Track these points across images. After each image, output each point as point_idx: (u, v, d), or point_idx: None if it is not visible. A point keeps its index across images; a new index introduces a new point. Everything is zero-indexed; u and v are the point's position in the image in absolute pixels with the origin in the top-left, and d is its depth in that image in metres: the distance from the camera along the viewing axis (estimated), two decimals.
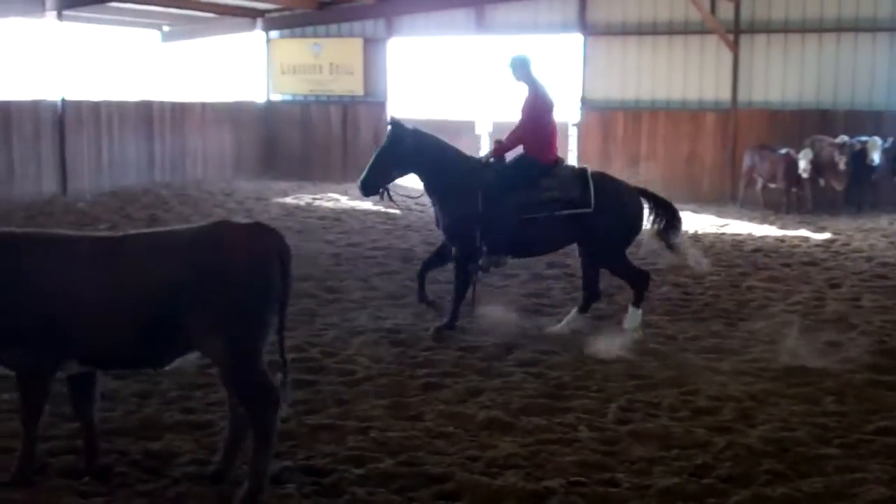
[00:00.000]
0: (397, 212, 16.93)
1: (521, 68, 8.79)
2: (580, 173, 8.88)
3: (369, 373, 7.27)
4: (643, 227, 9.08)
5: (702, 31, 19.65)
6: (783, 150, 17.75)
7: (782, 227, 15.81)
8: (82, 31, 22.12)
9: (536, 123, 8.79)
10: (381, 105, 22.92)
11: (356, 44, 22.88)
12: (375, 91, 22.95)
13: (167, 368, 5.30)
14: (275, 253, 4.97)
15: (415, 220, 16.09)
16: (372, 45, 22.80)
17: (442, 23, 22.07)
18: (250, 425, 4.97)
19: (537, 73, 8.84)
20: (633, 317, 8.60)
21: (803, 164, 16.98)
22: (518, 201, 8.53)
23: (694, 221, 16.29)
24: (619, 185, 9.05)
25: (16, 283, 4.86)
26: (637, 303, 8.67)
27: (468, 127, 22.16)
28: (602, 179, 8.90)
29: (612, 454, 5.69)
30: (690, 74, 20.17)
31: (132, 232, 5.39)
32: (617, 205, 8.75)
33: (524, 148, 8.89)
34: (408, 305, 9.57)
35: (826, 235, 14.85)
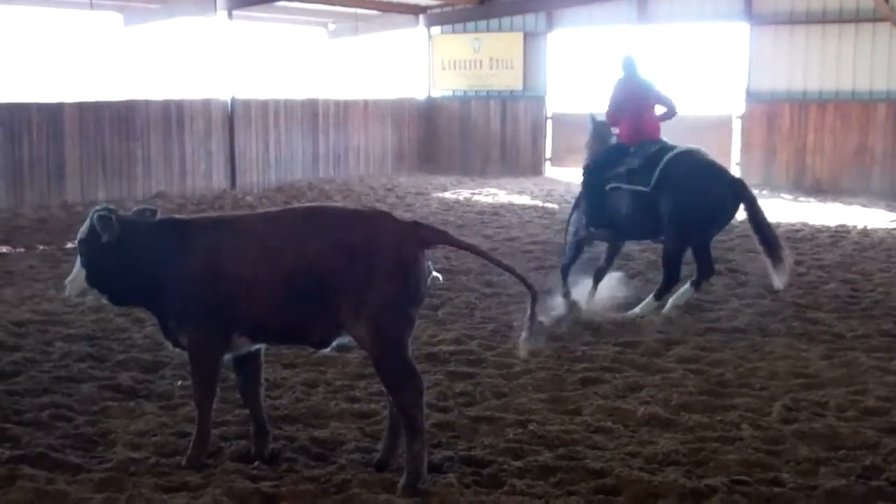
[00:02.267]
0: (555, 206, 16.96)
1: (627, 67, 9.68)
2: (657, 152, 9.05)
3: (527, 367, 7.31)
4: (725, 217, 9.09)
5: (873, 18, 18.90)
6: None
7: None
8: (251, 30, 22.89)
9: (621, 111, 9.51)
10: (541, 100, 22.91)
11: (516, 38, 22.92)
12: (535, 85, 22.94)
13: (327, 351, 5.47)
14: (426, 250, 5.09)
15: None
16: (532, 39, 22.80)
17: (603, 14, 21.86)
18: (396, 413, 5.11)
19: (641, 71, 9.80)
20: (646, 305, 8.90)
21: None
22: (604, 177, 9.25)
23: (863, 216, 15.75)
24: (697, 167, 8.94)
25: (188, 263, 5.16)
26: (658, 296, 8.90)
27: None
28: (678, 159, 8.94)
29: (775, 453, 5.58)
30: (861, 64, 19.44)
31: (294, 206, 5.62)
32: (681, 184, 8.73)
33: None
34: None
35: None
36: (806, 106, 19.92)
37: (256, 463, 5.40)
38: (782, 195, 18.84)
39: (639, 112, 9.49)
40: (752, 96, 20.46)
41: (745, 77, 20.53)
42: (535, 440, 5.76)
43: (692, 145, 9.40)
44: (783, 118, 20.12)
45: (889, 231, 14.28)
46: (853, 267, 11.42)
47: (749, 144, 20.59)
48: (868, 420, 6.15)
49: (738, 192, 8.82)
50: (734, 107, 20.99)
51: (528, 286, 5.23)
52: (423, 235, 5.13)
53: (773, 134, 20.25)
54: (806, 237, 13.62)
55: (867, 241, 13.31)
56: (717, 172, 8.97)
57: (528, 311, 5.18)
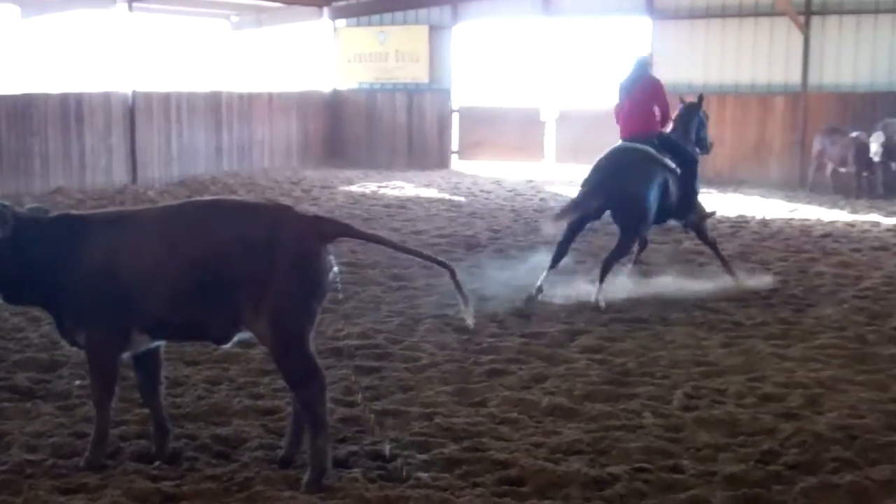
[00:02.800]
0: (462, 199, 17.02)
1: (640, 66, 10.16)
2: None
3: (434, 359, 7.32)
4: None
5: (772, 13, 19.35)
6: (854, 134, 17.42)
7: (852, 212, 15.56)
8: (152, 22, 22.45)
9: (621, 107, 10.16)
10: (447, 92, 22.95)
11: (422, 31, 22.92)
12: (441, 78, 22.96)
13: (228, 346, 5.40)
14: (328, 244, 5.05)
15: (479, 207, 16.13)
16: (437, 32, 22.81)
17: (508, 6, 21.98)
18: (299, 409, 5.07)
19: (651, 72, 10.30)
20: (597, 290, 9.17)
21: (875, 148, 16.65)
22: None
23: (762, 207, 16.12)
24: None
25: (86, 260, 5.03)
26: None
27: (533, 114, 22.13)
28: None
29: (676, 441, 5.67)
30: (760, 57, 19.88)
31: (193, 199, 5.54)
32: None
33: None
34: (472, 293, 9.55)
35: None
36: (707, 99, 20.20)
37: (157, 462, 5.29)
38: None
39: (635, 109, 9.88)
40: None
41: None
42: (441, 433, 5.76)
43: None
44: None
45: (787, 221, 14.63)
46: (752, 256, 11.67)
47: None
48: (766, 406, 6.29)
49: None
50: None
51: (440, 263, 5.26)
52: (324, 229, 5.09)
53: None
54: (707, 227, 13.84)
55: (766, 231, 13.63)
56: None
57: (454, 285, 5.18)
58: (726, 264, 10.11)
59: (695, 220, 10.17)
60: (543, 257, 11.31)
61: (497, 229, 13.74)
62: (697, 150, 10.59)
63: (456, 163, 23.09)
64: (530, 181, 19.94)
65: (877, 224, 14.24)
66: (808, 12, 19.13)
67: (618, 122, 10.10)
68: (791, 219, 14.90)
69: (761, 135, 19.88)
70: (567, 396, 6.46)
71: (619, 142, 9.85)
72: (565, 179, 20.32)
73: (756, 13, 19.68)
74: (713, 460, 5.36)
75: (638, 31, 21.20)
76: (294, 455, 5.27)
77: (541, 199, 17.08)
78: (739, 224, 14.23)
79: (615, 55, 23.99)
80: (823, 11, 19.14)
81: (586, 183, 9.52)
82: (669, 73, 20.35)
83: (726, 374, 6.99)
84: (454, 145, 23.16)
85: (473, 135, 22.79)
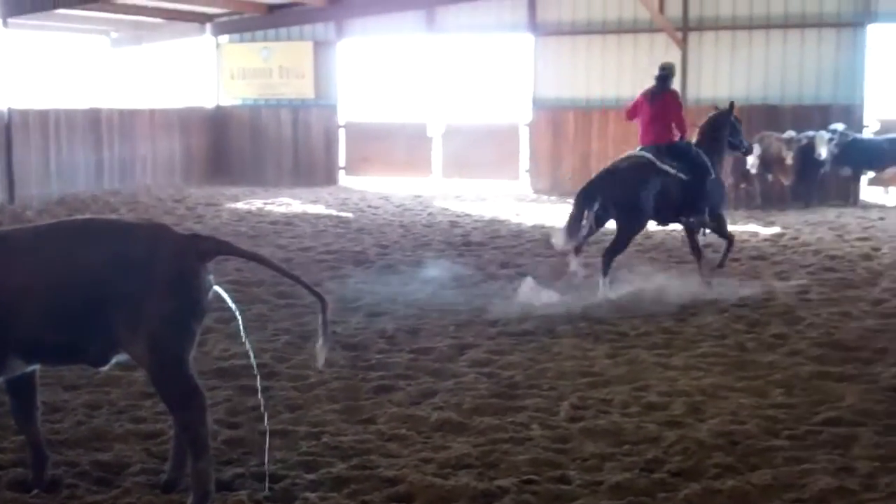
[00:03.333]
0: (350, 215, 16.96)
1: (663, 78, 11.02)
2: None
3: (322, 377, 7.24)
4: None
5: (650, 29, 19.82)
6: None
7: (732, 223, 15.92)
8: (29, 39, 21.88)
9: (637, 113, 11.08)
10: (333, 108, 22.90)
11: (306, 47, 22.81)
12: (326, 94, 22.89)
13: (106, 369, 5.24)
14: (206, 263, 4.93)
15: (368, 222, 16.09)
16: (322, 48, 22.74)
17: (392, 24, 22.06)
18: (179, 432, 4.95)
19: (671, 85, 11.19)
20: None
21: (751, 160, 17.12)
22: None
23: None
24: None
25: None
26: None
27: (420, 129, 22.21)
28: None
29: (563, 452, 5.71)
30: (640, 72, 20.19)
31: (67, 219, 5.38)
32: None
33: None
34: (360, 309, 9.55)
35: (775, 230, 15.03)
36: (589, 113, 20.64)
37: (35, 491, 5.11)
38: (569, 200, 19.37)
39: (654, 121, 10.75)
40: (537, 104, 21.06)
41: (531, 85, 21.11)
42: (329, 452, 5.70)
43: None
44: (568, 125, 20.79)
45: (668, 232, 14.90)
46: (635, 268, 11.85)
47: (536, 151, 21.16)
48: (650, 415, 6.39)
49: None
50: (522, 115, 21.55)
51: (316, 294, 5.16)
52: (202, 247, 4.97)
53: (558, 141, 20.89)
54: (592, 241, 14.03)
55: (649, 243, 13.87)
56: None
57: (320, 320, 5.11)
58: (702, 269, 10.92)
59: (699, 224, 10.89)
60: (432, 272, 11.40)
61: (385, 245, 13.72)
62: (739, 150, 11.98)
63: (343, 179, 23.03)
64: (418, 196, 19.98)
65: (755, 234, 14.64)
66: (686, 28, 19.64)
67: (628, 119, 11.43)
68: (673, 230, 15.18)
69: None
70: (456, 411, 6.46)
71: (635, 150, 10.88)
72: (453, 194, 20.46)
73: (635, 29, 20.12)
74: (599, 470, 5.42)
75: (520, 47, 21.46)
76: (178, 479, 5.15)
77: (429, 214, 17.12)
78: None
79: (498, 70, 24.37)
80: (700, 27, 19.68)
81: (586, 187, 10.44)
82: (553, 89, 20.87)
83: (612, 385, 7.08)
84: (341, 161, 23.09)
85: (361, 150, 22.76)
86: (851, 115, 18.47)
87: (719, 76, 19.73)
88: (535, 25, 20.85)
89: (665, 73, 11.03)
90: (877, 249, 12.97)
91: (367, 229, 15.28)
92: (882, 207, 17.49)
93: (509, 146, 21.52)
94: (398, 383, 7.15)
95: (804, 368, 7.40)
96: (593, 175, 10.81)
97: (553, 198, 19.91)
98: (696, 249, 11.07)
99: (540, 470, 5.38)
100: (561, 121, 20.87)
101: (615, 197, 10.24)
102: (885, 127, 18.58)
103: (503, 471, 5.38)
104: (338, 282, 10.96)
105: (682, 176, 10.47)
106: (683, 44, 19.56)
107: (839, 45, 18.93)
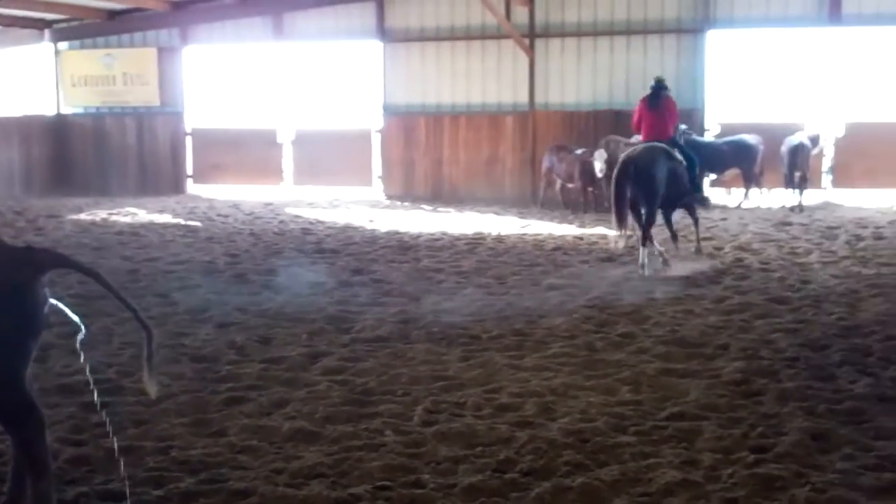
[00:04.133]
0: (198, 224, 16.63)
1: (658, 87, 12.67)
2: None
3: (170, 391, 7.06)
4: None
5: (498, 35, 20.05)
6: (579, 151, 18.27)
7: (581, 226, 16.29)
8: None
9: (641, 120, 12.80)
10: (179, 115, 22.42)
11: (150, 53, 22.26)
12: (172, 101, 22.39)
13: None
14: (41, 276, 4.73)
15: (217, 231, 15.80)
16: (166, 55, 22.23)
17: (238, 31, 21.76)
18: (17, 451, 4.74)
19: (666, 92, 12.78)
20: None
21: (599, 165, 17.46)
22: None
23: (497, 223, 16.61)
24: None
25: None
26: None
27: (269, 135, 21.96)
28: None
29: (417, 456, 5.71)
30: (489, 78, 20.55)
31: None
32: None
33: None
34: (209, 320, 9.36)
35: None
36: (440, 119, 20.76)
37: None
38: (423, 206, 19.51)
39: (656, 121, 12.53)
40: (388, 110, 21.07)
41: (382, 92, 21.11)
42: (177, 466, 5.55)
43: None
44: (419, 131, 20.87)
45: (520, 237, 15.12)
46: (489, 272, 11.97)
47: (389, 158, 21.16)
48: (502, 416, 6.44)
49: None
50: (373, 121, 21.54)
51: (143, 325, 4.96)
52: (37, 260, 4.76)
53: (410, 147, 20.95)
54: (446, 245, 14.15)
55: (501, 247, 14.02)
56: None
57: (145, 352, 4.94)
58: (699, 241, 13.09)
59: (690, 201, 12.91)
60: (284, 280, 11.28)
61: (235, 254, 13.49)
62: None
63: (192, 187, 22.57)
64: (269, 204, 19.73)
65: (604, 236, 14.94)
66: (533, 35, 19.94)
67: (636, 126, 12.91)
68: (524, 234, 15.42)
69: (494, 153, 20.52)
70: (308, 420, 6.38)
71: (641, 143, 12.52)
72: (305, 201, 20.29)
73: (483, 36, 20.33)
74: (453, 472, 5.43)
75: (370, 53, 21.45)
76: (18, 500, 4.92)
77: (280, 222, 16.92)
78: (476, 241, 14.58)
79: (349, 77, 24.30)
80: (546, 34, 20.00)
81: (617, 173, 11.98)
82: (403, 95, 20.92)
83: (465, 388, 7.11)
84: (189, 169, 22.63)
85: (210, 158, 22.36)
86: (693, 118, 19.03)
87: (567, 82, 20.09)
88: (383, 32, 20.86)
89: (661, 83, 12.80)
90: (719, 249, 13.40)
91: (217, 238, 15.00)
92: (724, 208, 18.09)
93: (361, 152, 21.49)
94: (249, 394, 7.02)
95: (650, 366, 7.59)
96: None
97: (407, 204, 19.95)
98: (696, 223, 13.13)
99: (393, 475, 5.36)
100: (412, 127, 20.93)
101: (643, 178, 11.80)
102: (725, 130, 19.25)
103: (356, 478, 5.34)
104: (186, 293, 10.72)
105: (684, 163, 12.43)
106: (531, 50, 19.86)
107: (680, 51, 19.51)
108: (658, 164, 11.97)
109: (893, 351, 7.91)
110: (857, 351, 7.94)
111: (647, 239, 11.89)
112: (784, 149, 17.62)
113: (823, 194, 18.86)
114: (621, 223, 12.02)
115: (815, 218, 16.43)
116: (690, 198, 12.82)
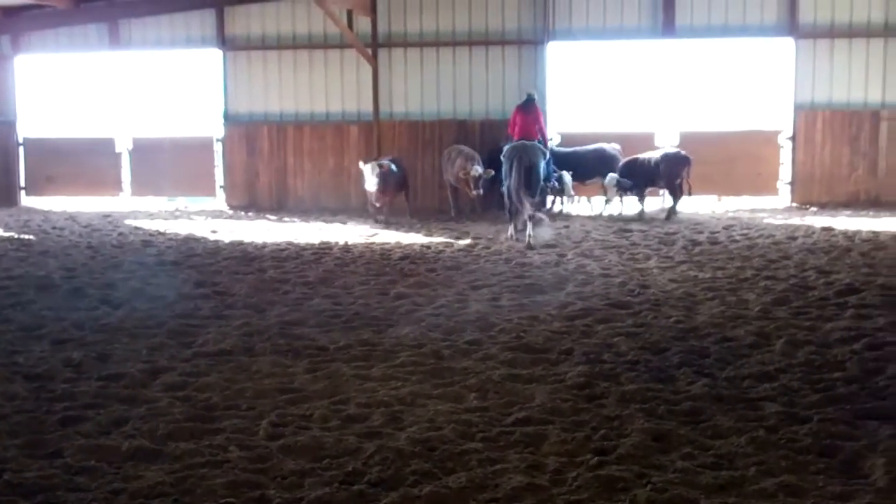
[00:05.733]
0: (32, 237, 16.02)
1: (529, 98, 16.24)
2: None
3: (2, 411, 6.75)
4: None
5: (341, 45, 20.00)
6: (386, 160, 18.17)
7: (428, 235, 16.36)
8: None
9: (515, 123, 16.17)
10: (11, 125, 21.59)
11: None
12: (4, 110, 21.57)
13: None
14: None
15: (52, 245, 15.25)
16: None
17: (72, 40, 21.11)
18: None
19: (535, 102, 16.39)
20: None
21: (370, 179, 17.34)
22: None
23: (344, 233, 16.54)
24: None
25: None
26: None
27: (107, 145, 21.36)
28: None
29: (263, 471, 5.60)
30: (333, 88, 20.47)
31: None
32: None
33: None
34: (44, 337, 9.00)
35: (468, 240, 15.51)
36: (284, 128, 20.58)
37: None
38: (268, 216, 19.28)
39: (526, 124, 15.86)
40: (230, 119, 20.76)
41: (222, 101, 20.79)
42: (10, 490, 5.31)
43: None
44: (262, 141, 20.64)
45: (367, 246, 15.09)
46: (335, 281, 11.89)
47: (231, 167, 20.86)
48: (350, 427, 6.38)
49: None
50: (215, 130, 21.18)
51: None
52: None
53: (253, 156, 20.69)
54: (291, 256, 14.00)
55: (349, 256, 13.95)
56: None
57: None
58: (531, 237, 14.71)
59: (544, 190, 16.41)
60: (123, 294, 10.96)
61: (72, 268, 13.02)
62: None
63: (25, 199, 21.77)
64: (108, 215, 19.17)
65: (450, 245, 15.05)
66: (375, 44, 19.97)
67: (511, 129, 16.06)
68: (371, 243, 15.39)
69: (339, 163, 20.46)
70: (149, 438, 6.18)
71: (517, 141, 15.47)
72: (145, 212, 19.79)
73: (326, 45, 20.26)
74: (300, 486, 5.35)
75: (210, 62, 21.10)
76: None
77: (119, 234, 16.44)
78: (322, 251, 14.47)
79: (189, 85, 23.87)
80: (389, 44, 20.06)
81: (505, 161, 15.30)
82: (245, 104, 20.65)
83: (311, 400, 7.02)
84: (22, 181, 21.80)
85: (44, 169, 21.61)
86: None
87: (410, 92, 20.18)
88: (223, 40, 20.54)
89: (531, 96, 16.23)
90: (562, 256, 13.65)
91: (52, 252, 14.47)
92: (567, 216, 18.47)
93: (203, 162, 21.12)
94: (86, 413, 6.77)
95: (497, 372, 7.65)
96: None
97: (251, 214, 19.68)
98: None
99: (238, 492, 5.25)
100: (255, 136, 20.68)
101: (529, 166, 14.86)
102: (566, 140, 19.65)
103: (199, 496, 5.20)
104: (19, 309, 10.29)
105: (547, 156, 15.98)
106: (374, 60, 19.87)
107: (521, 62, 19.83)
108: (537, 151, 15.25)
109: (729, 352, 8.19)
110: (694, 353, 8.19)
111: (534, 214, 14.67)
112: (658, 156, 18.04)
113: (660, 201, 19.43)
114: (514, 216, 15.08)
115: (654, 224, 16.93)
116: (545, 186, 15.99)
